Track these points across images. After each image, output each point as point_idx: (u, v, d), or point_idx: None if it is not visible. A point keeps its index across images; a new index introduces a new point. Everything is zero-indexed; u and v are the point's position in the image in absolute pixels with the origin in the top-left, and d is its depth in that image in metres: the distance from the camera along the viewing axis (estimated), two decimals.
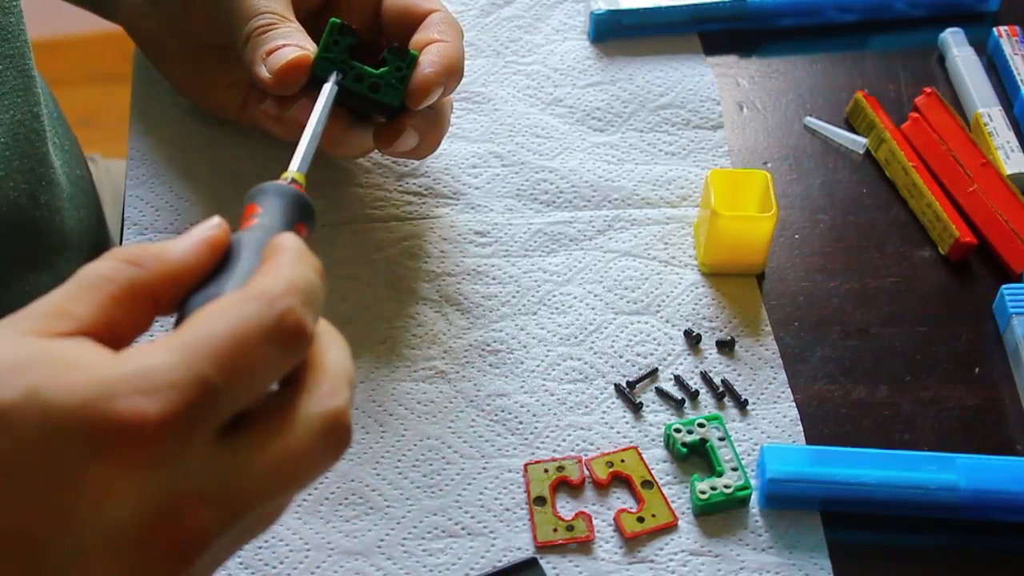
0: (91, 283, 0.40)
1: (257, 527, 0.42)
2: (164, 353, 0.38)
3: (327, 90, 0.63)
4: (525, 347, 0.69)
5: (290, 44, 0.65)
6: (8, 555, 0.36)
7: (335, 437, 0.41)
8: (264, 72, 0.65)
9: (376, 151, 0.71)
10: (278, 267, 0.42)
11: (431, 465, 0.64)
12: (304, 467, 0.40)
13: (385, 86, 0.65)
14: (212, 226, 0.44)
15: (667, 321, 0.71)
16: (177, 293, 0.42)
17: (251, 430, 0.39)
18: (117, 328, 0.40)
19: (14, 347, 0.38)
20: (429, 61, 0.66)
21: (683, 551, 0.61)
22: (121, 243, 0.73)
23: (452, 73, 0.67)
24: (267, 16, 0.66)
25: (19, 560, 0.36)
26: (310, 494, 0.62)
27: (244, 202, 0.49)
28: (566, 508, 0.63)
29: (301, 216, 0.49)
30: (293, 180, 0.52)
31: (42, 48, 0.72)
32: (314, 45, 0.66)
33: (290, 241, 0.43)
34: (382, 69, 0.65)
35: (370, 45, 0.69)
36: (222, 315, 0.39)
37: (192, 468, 0.38)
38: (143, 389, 0.36)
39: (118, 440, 0.36)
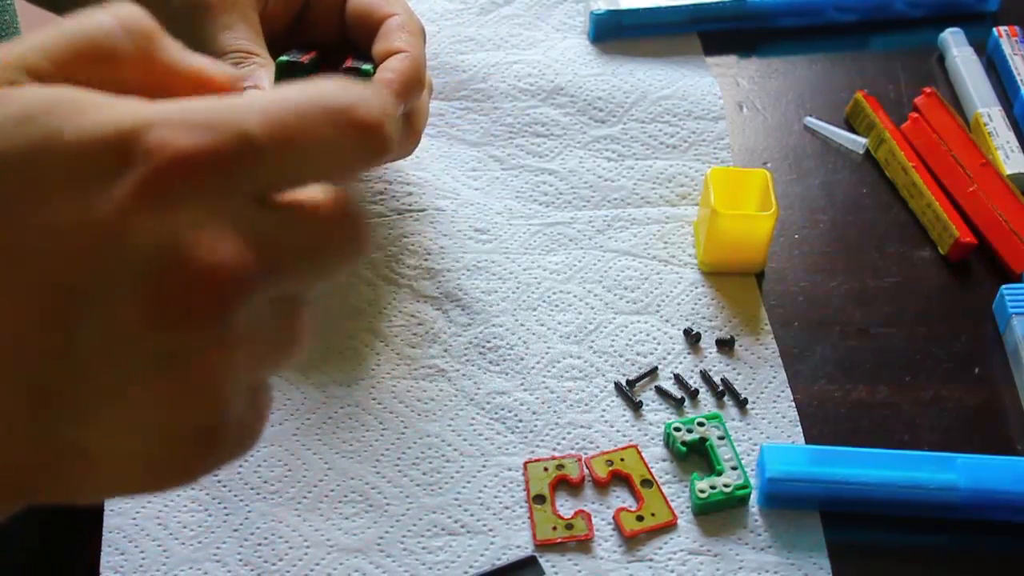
0: (75, 42, 0.37)
1: (290, 328, 0.38)
2: (206, 101, 0.34)
3: None
4: (525, 343, 0.69)
5: (249, 86, 0.64)
6: (37, 298, 0.33)
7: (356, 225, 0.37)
8: None
9: None
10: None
11: (431, 463, 0.64)
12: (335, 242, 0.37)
13: None
14: (223, 70, 0.40)
15: (667, 320, 0.71)
16: (165, 91, 0.39)
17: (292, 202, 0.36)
18: (77, 83, 0.37)
19: (23, 95, 0.34)
20: (384, 81, 0.65)
21: (682, 550, 0.61)
22: None
23: (411, 87, 0.66)
24: (231, 57, 0.66)
25: (49, 308, 0.33)
26: (310, 492, 0.62)
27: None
28: (565, 506, 0.63)
29: None
30: None
31: None
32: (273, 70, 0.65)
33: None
34: None
35: (341, 49, 0.70)
36: (287, 88, 0.35)
37: (225, 213, 0.34)
38: (177, 123, 0.33)
39: (145, 167, 0.33)
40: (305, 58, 0.66)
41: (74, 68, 0.37)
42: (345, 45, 0.71)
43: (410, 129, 0.69)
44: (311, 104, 0.34)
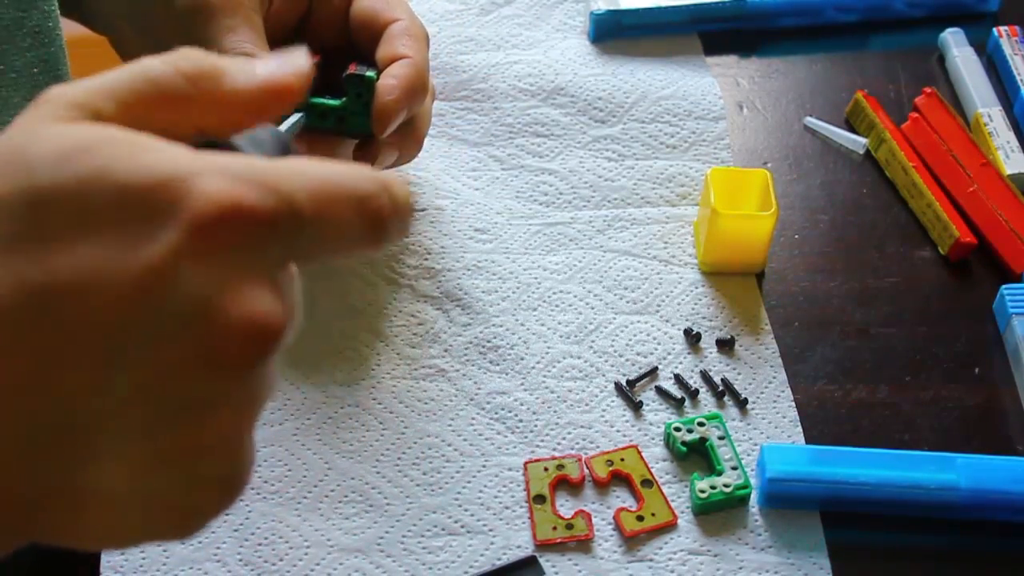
0: (137, 84, 0.37)
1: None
2: (255, 161, 0.35)
3: (292, 116, 0.62)
4: (525, 343, 0.69)
5: None
6: (77, 339, 0.33)
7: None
8: None
9: None
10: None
11: (431, 463, 0.64)
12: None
13: (350, 116, 0.65)
14: (291, 71, 0.40)
15: (667, 320, 0.71)
16: (219, 127, 0.40)
17: None
18: (153, 130, 0.37)
19: (77, 131, 0.35)
20: (388, 88, 0.65)
21: (682, 550, 0.61)
22: None
23: (414, 93, 0.66)
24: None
25: (88, 345, 0.33)
26: (310, 492, 0.62)
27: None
28: (566, 506, 0.63)
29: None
30: None
31: None
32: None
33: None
34: (343, 99, 0.65)
35: (345, 52, 0.70)
36: (323, 165, 0.37)
37: (263, 269, 0.35)
38: (230, 175, 0.34)
39: (195, 214, 0.33)
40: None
41: (139, 111, 0.37)
42: (349, 48, 0.71)
43: (413, 134, 0.69)
44: (346, 187, 0.36)
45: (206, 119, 0.39)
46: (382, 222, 0.37)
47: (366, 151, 0.66)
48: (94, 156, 0.34)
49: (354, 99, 0.65)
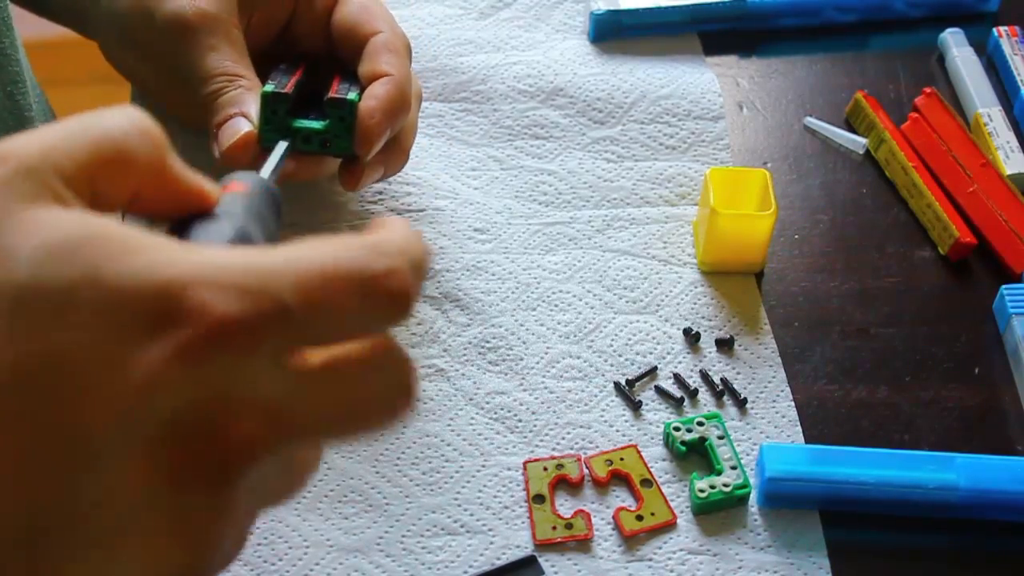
0: (101, 146, 0.37)
1: (296, 475, 0.38)
2: (241, 259, 0.34)
3: (279, 146, 0.62)
4: (525, 343, 0.69)
5: (235, 114, 0.65)
6: (50, 443, 0.33)
7: (393, 363, 0.37)
8: (215, 150, 0.65)
9: None
10: (391, 229, 0.37)
11: (430, 463, 0.64)
12: (360, 391, 0.37)
13: (333, 138, 0.65)
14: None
15: (666, 320, 0.71)
16: (173, 202, 0.40)
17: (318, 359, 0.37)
18: (97, 190, 0.37)
19: (58, 222, 0.34)
20: (369, 110, 0.65)
21: (682, 549, 0.61)
22: None
23: (396, 112, 0.66)
24: (217, 80, 0.66)
25: (59, 450, 0.33)
26: (310, 491, 0.62)
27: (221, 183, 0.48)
28: (565, 506, 0.63)
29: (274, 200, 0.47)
30: None
31: (42, 48, 0.72)
32: (261, 88, 0.65)
33: (399, 219, 0.40)
34: (325, 122, 0.64)
35: (328, 60, 0.70)
36: (318, 249, 0.35)
37: (248, 378, 0.34)
38: (215, 285, 0.33)
39: (180, 328, 0.33)
40: (289, 87, 0.65)
41: (96, 171, 0.37)
42: (332, 56, 0.71)
43: (398, 148, 0.69)
44: (341, 272, 0.35)
45: (149, 184, 0.39)
46: (393, 299, 0.36)
47: (351, 170, 0.66)
48: (84, 257, 0.33)
49: (337, 122, 0.64)
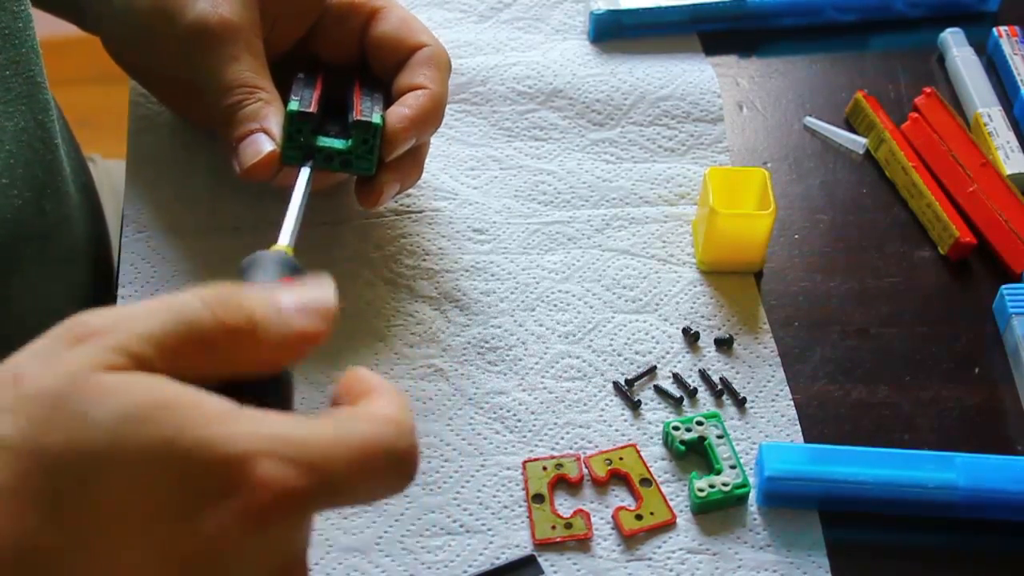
0: (177, 329, 0.40)
1: None
2: (301, 432, 0.39)
3: (303, 175, 0.63)
4: (524, 344, 0.69)
5: (256, 129, 0.64)
6: None
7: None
8: (235, 165, 0.65)
9: None
10: (399, 404, 0.42)
11: (429, 462, 0.64)
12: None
13: (355, 159, 0.65)
14: (319, 319, 0.43)
15: (665, 319, 0.71)
16: (245, 370, 0.43)
17: None
18: (178, 369, 0.40)
19: (134, 387, 0.37)
20: (400, 116, 0.65)
21: (681, 549, 0.61)
22: (120, 243, 0.73)
23: (425, 124, 0.66)
24: (237, 92, 0.65)
25: None
26: None
27: (240, 273, 0.49)
28: (564, 506, 0.63)
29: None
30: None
31: (42, 48, 0.71)
32: (282, 108, 0.65)
33: (391, 388, 0.44)
34: (348, 142, 0.64)
35: (350, 69, 0.70)
36: (358, 425, 0.40)
37: (300, 536, 0.40)
38: (278, 457, 0.37)
39: (250, 499, 0.37)
40: (314, 104, 0.65)
41: (176, 356, 0.40)
42: (355, 66, 0.71)
43: (415, 162, 0.69)
44: (379, 450, 0.40)
45: (235, 365, 0.41)
46: (411, 471, 0.41)
47: (369, 188, 0.66)
48: (159, 425, 0.37)
49: (360, 143, 0.64)
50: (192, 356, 0.40)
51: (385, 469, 0.40)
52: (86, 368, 0.37)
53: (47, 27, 0.82)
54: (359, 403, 0.42)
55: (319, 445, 0.39)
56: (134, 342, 0.39)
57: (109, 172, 0.97)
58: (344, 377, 0.44)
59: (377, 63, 0.70)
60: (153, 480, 0.36)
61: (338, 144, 0.64)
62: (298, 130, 0.64)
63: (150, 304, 0.40)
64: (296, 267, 0.50)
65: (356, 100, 0.66)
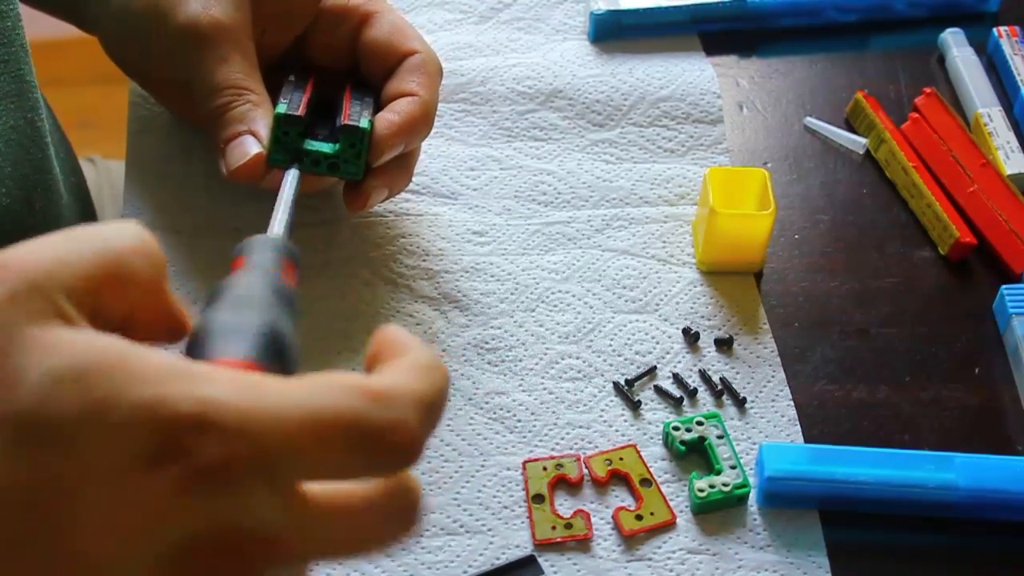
0: (106, 260, 0.38)
1: None
2: (243, 399, 0.35)
3: (290, 176, 0.62)
4: (524, 344, 0.69)
5: (244, 131, 0.64)
6: (55, 570, 0.35)
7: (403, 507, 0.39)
8: (223, 167, 0.65)
9: None
10: (408, 370, 0.38)
11: (429, 463, 0.64)
12: (363, 533, 0.39)
13: (342, 163, 0.65)
14: None
15: (665, 319, 0.71)
16: (162, 324, 0.41)
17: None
18: (98, 306, 0.38)
19: (70, 346, 0.35)
20: (388, 122, 0.65)
21: (681, 549, 0.61)
22: None
23: (414, 130, 0.66)
24: (226, 94, 0.65)
25: (87, 568, 0.35)
26: None
27: (231, 255, 0.48)
28: (564, 506, 0.63)
29: (290, 257, 0.48)
30: None
31: (41, 49, 0.71)
32: (271, 110, 0.65)
33: (415, 341, 0.40)
34: (336, 147, 0.64)
35: (340, 74, 0.70)
36: (319, 395, 0.36)
37: (246, 509, 0.36)
38: (213, 426, 0.35)
39: (193, 463, 0.34)
40: (302, 108, 0.65)
41: (99, 286, 0.38)
42: (346, 71, 0.71)
43: (404, 169, 0.69)
44: (337, 424, 0.36)
45: (146, 301, 0.40)
46: (393, 451, 0.37)
47: (356, 192, 0.67)
48: (90, 387, 0.34)
49: (347, 147, 0.64)
50: (120, 298, 0.38)
51: (341, 446, 0.36)
52: (11, 322, 0.35)
53: (47, 28, 0.82)
54: (373, 368, 0.39)
55: (264, 411, 0.35)
56: (67, 286, 0.37)
57: (109, 172, 0.97)
58: (375, 337, 0.41)
59: (368, 68, 0.70)
60: (83, 448, 0.34)
61: (325, 148, 0.65)
62: (285, 133, 0.64)
63: (77, 242, 0.38)
64: (292, 252, 0.49)
65: (345, 104, 0.67)
